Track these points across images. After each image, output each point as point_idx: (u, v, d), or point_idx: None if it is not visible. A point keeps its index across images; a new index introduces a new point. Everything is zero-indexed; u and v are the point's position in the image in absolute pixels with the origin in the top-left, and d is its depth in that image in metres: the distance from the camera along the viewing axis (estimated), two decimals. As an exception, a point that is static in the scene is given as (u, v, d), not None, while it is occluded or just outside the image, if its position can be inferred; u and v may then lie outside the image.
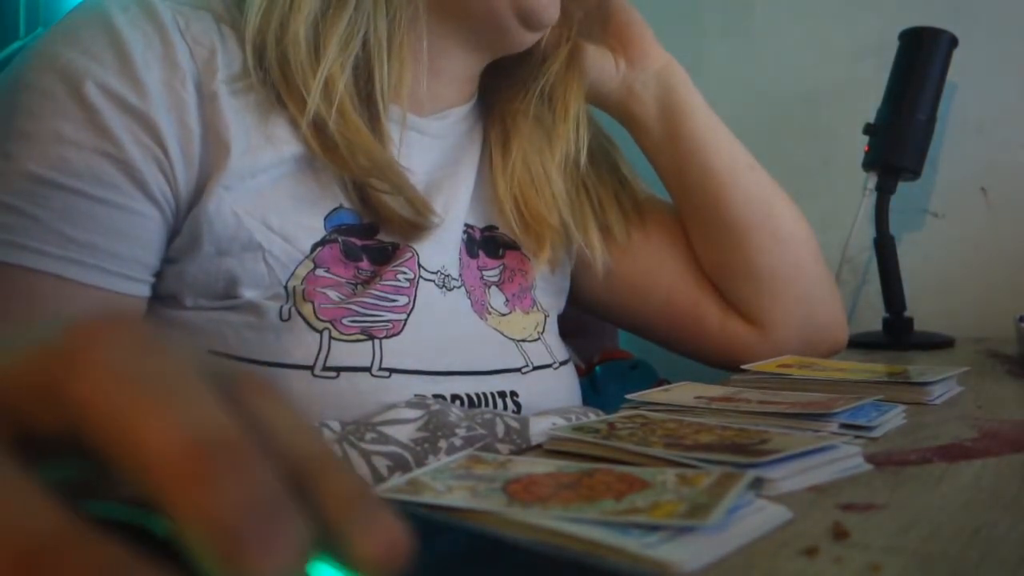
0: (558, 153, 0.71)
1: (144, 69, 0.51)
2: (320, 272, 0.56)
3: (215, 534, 0.15)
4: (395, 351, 0.56)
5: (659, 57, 0.75)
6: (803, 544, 0.30)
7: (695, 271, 0.78)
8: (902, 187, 0.99)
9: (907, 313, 0.99)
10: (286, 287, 0.55)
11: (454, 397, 0.58)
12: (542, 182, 0.70)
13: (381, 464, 0.49)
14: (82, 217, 0.50)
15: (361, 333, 0.56)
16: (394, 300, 0.58)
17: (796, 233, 0.77)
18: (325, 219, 0.58)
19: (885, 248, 1.00)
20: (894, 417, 0.50)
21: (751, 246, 0.75)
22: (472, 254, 0.67)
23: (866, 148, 0.99)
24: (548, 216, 0.69)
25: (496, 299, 0.68)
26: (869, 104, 1.01)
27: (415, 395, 0.55)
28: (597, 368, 0.99)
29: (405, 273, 0.60)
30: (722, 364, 0.78)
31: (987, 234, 1.06)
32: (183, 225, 0.54)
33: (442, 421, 0.52)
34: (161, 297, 0.55)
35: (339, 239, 0.58)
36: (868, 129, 0.99)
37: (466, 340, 0.62)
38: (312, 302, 0.55)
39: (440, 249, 0.63)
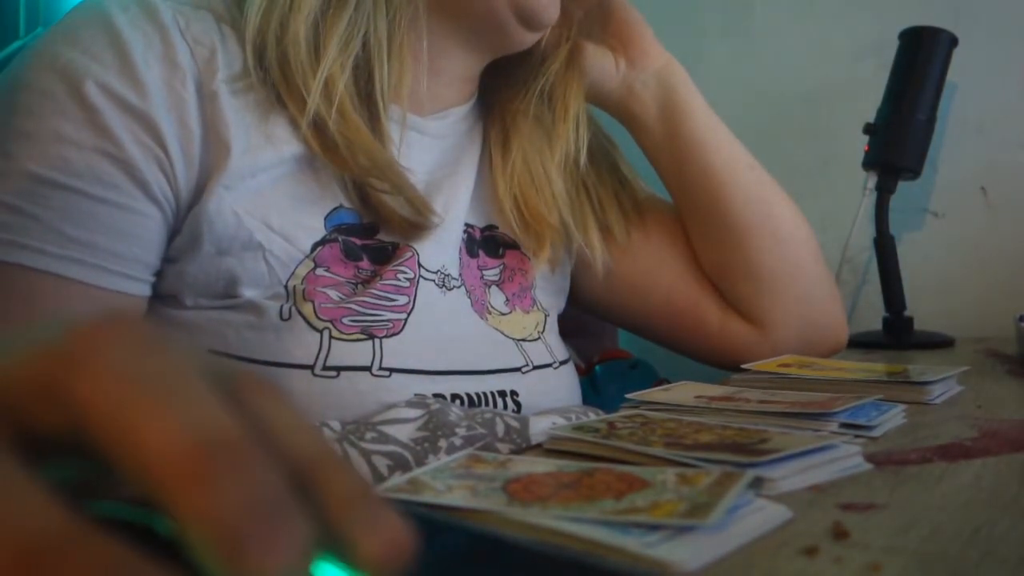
0: (558, 153, 0.71)
1: (144, 69, 0.51)
2: (320, 271, 0.56)
3: (217, 534, 0.15)
4: (395, 350, 0.56)
5: (659, 56, 0.75)
6: (803, 544, 0.30)
7: (695, 271, 0.79)
8: (902, 187, 0.99)
9: (907, 313, 0.99)
10: (286, 286, 0.55)
11: (454, 396, 0.58)
12: (542, 182, 0.70)
13: (381, 463, 0.49)
14: (82, 216, 0.50)
15: (361, 332, 0.56)
16: (394, 300, 0.58)
17: (796, 233, 0.77)
18: (325, 219, 0.58)
19: (885, 248, 1.00)
20: (894, 417, 0.50)
21: (751, 246, 0.75)
22: (472, 254, 0.67)
23: (866, 148, 0.99)
24: (548, 215, 0.69)
25: (496, 298, 0.68)
26: (869, 104, 1.01)
27: (415, 395, 0.55)
28: (597, 368, 0.99)
29: (405, 273, 0.60)
30: (722, 364, 0.78)
31: (987, 234, 1.06)
32: (183, 225, 0.54)
33: (442, 421, 0.52)
34: (161, 296, 0.55)
35: (339, 239, 0.58)
36: (868, 129, 0.99)
37: (466, 339, 0.62)
38: (312, 301, 0.55)
39: (440, 249, 0.63)
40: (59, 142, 0.50)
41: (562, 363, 0.70)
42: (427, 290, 0.61)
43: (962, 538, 0.30)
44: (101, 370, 0.16)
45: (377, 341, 0.56)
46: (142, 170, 0.51)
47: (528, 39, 0.66)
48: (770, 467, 0.36)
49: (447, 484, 0.36)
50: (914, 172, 0.98)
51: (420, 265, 0.61)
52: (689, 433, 0.44)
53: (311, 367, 0.53)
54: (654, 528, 0.29)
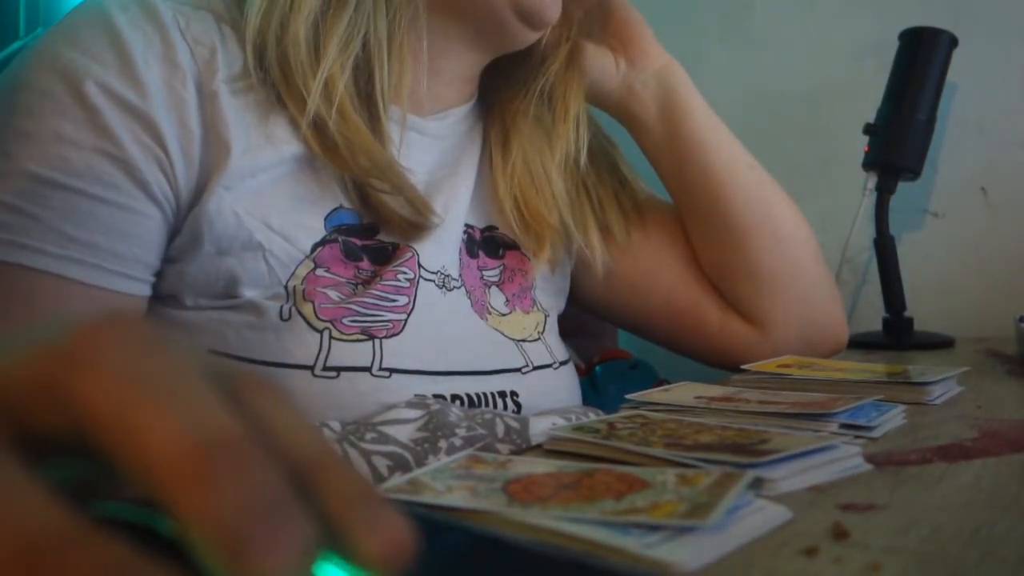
0: (558, 153, 0.71)
1: (145, 69, 0.51)
2: (320, 272, 0.56)
3: (218, 534, 0.15)
4: (395, 351, 0.56)
5: (659, 57, 0.75)
6: (803, 544, 0.30)
7: (695, 271, 0.79)
8: (902, 187, 0.99)
9: (907, 313, 0.99)
10: (286, 287, 0.55)
11: (454, 397, 0.58)
12: (542, 182, 0.70)
13: (381, 464, 0.49)
14: (83, 216, 0.50)
15: (361, 333, 0.56)
16: (394, 300, 0.58)
17: (796, 233, 0.77)
18: (325, 219, 0.58)
19: (885, 248, 1.00)
20: (894, 417, 0.50)
21: (751, 246, 0.75)
22: (472, 254, 0.67)
23: (866, 148, 0.99)
24: (548, 216, 0.69)
25: (496, 299, 0.68)
26: (869, 104, 1.01)
27: (415, 395, 0.55)
28: (597, 368, 0.99)
29: (405, 273, 0.60)
30: (722, 364, 0.78)
31: (987, 234, 1.06)
32: (183, 225, 0.54)
33: (442, 421, 0.52)
34: (161, 297, 0.55)
35: (339, 239, 0.58)
36: (868, 129, 0.99)
37: (466, 340, 0.62)
38: (312, 302, 0.55)
39: (440, 249, 0.63)
40: (59, 142, 0.50)
41: (562, 363, 0.70)
42: (427, 291, 0.61)
43: (962, 538, 0.30)
44: (101, 370, 0.16)
45: (377, 342, 0.56)
46: (142, 170, 0.51)
47: (529, 37, 0.66)
48: (770, 468, 0.36)
49: (447, 484, 0.36)
50: (914, 172, 0.98)
51: (420, 265, 0.61)
52: (689, 434, 0.44)
53: (311, 367, 0.53)
54: (654, 528, 0.29)
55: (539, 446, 0.48)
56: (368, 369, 0.55)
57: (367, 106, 0.59)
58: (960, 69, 1.01)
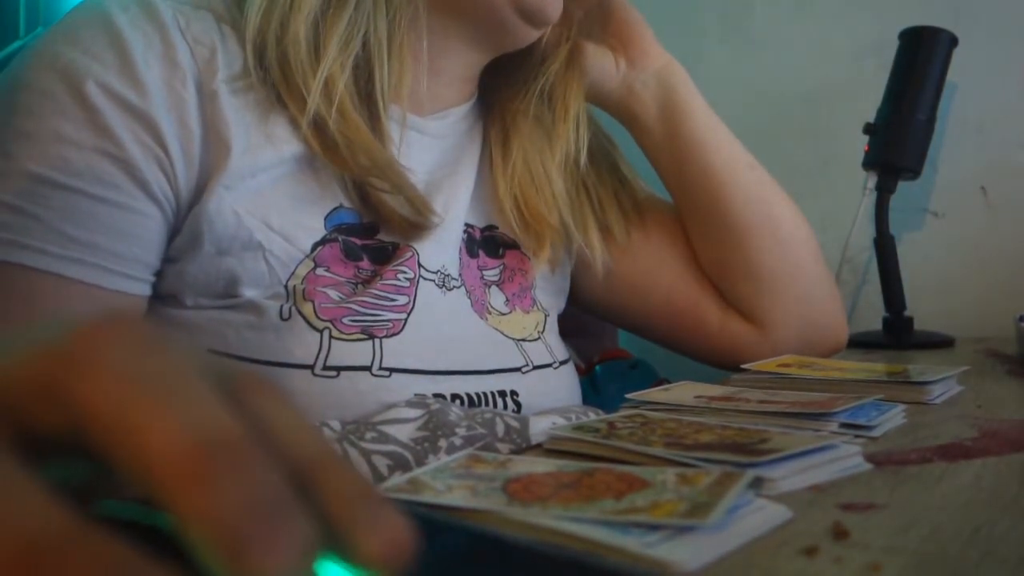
0: (558, 153, 0.71)
1: (145, 69, 0.51)
2: (320, 271, 0.56)
3: (218, 534, 0.15)
4: (395, 350, 0.56)
5: (659, 57, 0.75)
6: (803, 544, 0.30)
7: (695, 271, 0.79)
8: (902, 187, 0.99)
9: (907, 313, 0.99)
10: (286, 286, 0.55)
11: (454, 396, 0.58)
12: (542, 182, 0.70)
13: (381, 463, 0.49)
14: (83, 216, 0.50)
15: (361, 332, 0.56)
16: (394, 300, 0.58)
17: (796, 233, 0.77)
18: (325, 218, 0.58)
19: (885, 248, 1.00)
20: (894, 417, 0.50)
21: (751, 246, 0.75)
22: (472, 254, 0.67)
23: (866, 148, 0.99)
24: (548, 216, 0.69)
25: (496, 299, 0.68)
26: (869, 104, 1.01)
27: (415, 394, 0.55)
28: (597, 368, 0.99)
29: (405, 273, 0.60)
30: (722, 364, 0.78)
31: (987, 234, 1.06)
32: (183, 224, 0.54)
33: (442, 420, 0.52)
34: (161, 296, 0.55)
35: (339, 238, 0.58)
36: (868, 129, 0.99)
37: (466, 339, 0.62)
38: (312, 301, 0.55)
39: (440, 249, 0.63)
40: (59, 142, 0.50)
41: (562, 363, 0.70)
42: (427, 290, 0.61)
43: (962, 538, 0.30)
44: (101, 370, 0.16)
45: (377, 341, 0.56)
46: (142, 170, 0.51)
47: (530, 35, 0.66)
48: (770, 467, 0.36)
49: (447, 484, 0.36)
50: (914, 172, 0.98)
51: (420, 265, 0.61)
52: (689, 433, 0.44)
53: (311, 367, 0.53)
54: (654, 528, 0.29)
55: (539, 445, 0.48)
56: (368, 368, 0.55)
57: (367, 105, 0.59)
58: (960, 69, 1.01)
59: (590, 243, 0.73)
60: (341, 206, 0.59)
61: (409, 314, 0.59)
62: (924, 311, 1.01)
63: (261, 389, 0.19)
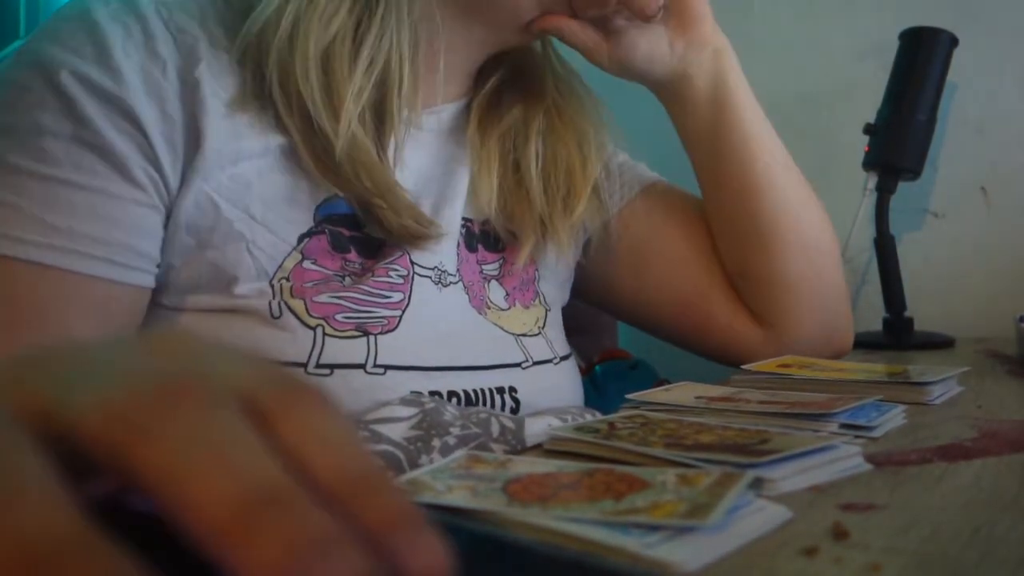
0: (552, 147, 0.71)
1: (123, 57, 0.52)
2: (307, 264, 0.56)
3: None
4: (390, 347, 0.56)
5: (718, 39, 0.72)
6: (803, 544, 0.30)
7: (707, 264, 0.77)
8: (902, 187, 0.99)
9: (907, 313, 0.99)
10: (272, 282, 0.55)
11: (451, 394, 0.58)
12: (529, 176, 0.69)
13: (374, 463, 0.49)
14: (63, 204, 0.50)
15: (356, 329, 0.56)
16: (388, 296, 0.58)
17: (821, 238, 0.75)
18: (317, 208, 0.58)
19: (885, 248, 1.00)
20: (894, 417, 0.50)
21: (776, 251, 0.73)
22: (471, 248, 0.67)
23: (866, 148, 0.99)
24: (530, 211, 0.69)
25: (496, 293, 0.67)
26: (869, 104, 1.01)
27: (411, 392, 0.55)
28: (597, 368, 0.99)
29: (398, 270, 0.59)
30: (725, 360, 0.78)
31: (987, 234, 1.06)
32: (172, 213, 0.54)
33: (436, 420, 0.52)
34: (157, 299, 0.55)
35: (327, 229, 0.58)
36: (868, 129, 0.99)
37: (464, 335, 0.62)
38: (304, 299, 0.55)
39: (435, 248, 0.62)
40: (39, 133, 0.50)
41: (563, 359, 0.70)
42: (423, 286, 0.61)
43: (962, 538, 0.30)
44: (159, 439, 0.17)
45: (372, 338, 0.56)
46: (121, 155, 0.51)
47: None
48: (770, 468, 0.36)
49: (447, 484, 0.36)
50: (914, 172, 0.98)
51: (413, 263, 0.61)
52: (689, 434, 0.44)
53: (304, 365, 0.53)
54: (654, 528, 0.29)
55: (539, 446, 0.48)
56: (362, 366, 0.55)
57: (379, 115, 0.59)
58: (960, 69, 1.01)
59: (559, 241, 0.71)
60: (336, 195, 0.58)
61: (404, 310, 0.58)
62: (924, 312, 1.01)
63: (301, 400, 0.19)
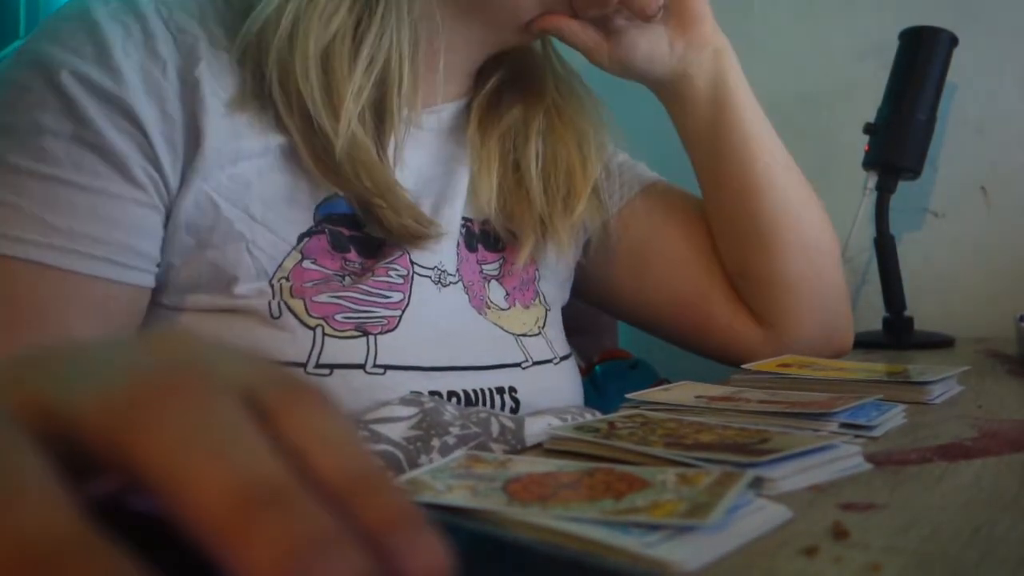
0: (550, 147, 0.71)
1: (123, 57, 0.52)
2: (307, 264, 0.56)
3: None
4: (390, 347, 0.56)
5: (718, 38, 0.72)
6: (803, 544, 0.30)
7: (707, 264, 0.77)
8: (902, 187, 0.99)
9: (907, 313, 0.99)
10: (272, 282, 0.55)
11: (451, 394, 0.58)
12: (529, 176, 0.69)
13: (373, 463, 0.49)
14: (63, 204, 0.50)
15: (355, 329, 0.55)
16: (388, 296, 0.58)
17: (822, 238, 0.75)
18: (318, 207, 0.58)
19: (885, 248, 1.00)
20: (894, 417, 0.50)
21: (776, 252, 0.73)
22: (471, 248, 0.67)
23: (866, 148, 0.99)
24: (530, 211, 0.69)
25: (496, 293, 0.67)
26: (869, 104, 1.01)
27: (411, 392, 0.55)
28: (597, 367, 0.99)
29: (398, 270, 0.59)
30: (725, 360, 0.78)
31: (987, 234, 1.06)
32: (171, 213, 0.54)
33: (436, 420, 0.52)
34: (158, 299, 0.55)
35: (327, 229, 0.58)
36: (868, 129, 0.99)
37: (463, 335, 0.62)
38: (303, 298, 0.55)
39: (435, 248, 0.62)
40: (39, 133, 0.50)
41: (563, 358, 0.70)
42: (423, 286, 0.61)
43: (962, 538, 0.30)
44: (159, 430, 0.17)
45: (371, 338, 0.56)
46: (122, 155, 0.51)
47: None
48: (770, 467, 0.36)
49: (447, 484, 0.36)
50: (914, 172, 0.98)
51: (413, 263, 0.61)
52: (689, 433, 0.44)
53: (304, 365, 0.53)
54: (654, 528, 0.29)
55: (539, 445, 0.48)
56: (362, 366, 0.55)
57: (378, 114, 0.59)
58: (960, 69, 1.01)
59: (559, 242, 0.71)
60: (336, 195, 0.58)
61: (404, 310, 0.58)
62: (924, 311, 1.01)
63: (302, 399, 0.19)
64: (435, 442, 0.51)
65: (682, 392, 0.58)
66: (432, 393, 0.56)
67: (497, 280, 0.68)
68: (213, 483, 0.16)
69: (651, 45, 0.69)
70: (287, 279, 0.55)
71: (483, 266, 0.68)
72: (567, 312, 0.78)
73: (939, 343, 0.94)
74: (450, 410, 0.54)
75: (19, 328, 0.50)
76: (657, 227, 0.78)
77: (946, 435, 0.47)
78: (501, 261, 0.69)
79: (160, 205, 0.53)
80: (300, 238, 0.56)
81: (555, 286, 0.74)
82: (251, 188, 0.55)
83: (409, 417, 0.52)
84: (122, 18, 0.53)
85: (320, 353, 0.54)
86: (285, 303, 0.54)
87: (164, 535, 0.16)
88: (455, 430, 0.52)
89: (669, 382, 0.63)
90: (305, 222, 0.57)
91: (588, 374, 0.98)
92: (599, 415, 0.55)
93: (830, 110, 1.14)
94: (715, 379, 0.64)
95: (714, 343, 0.78)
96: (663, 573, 0.27)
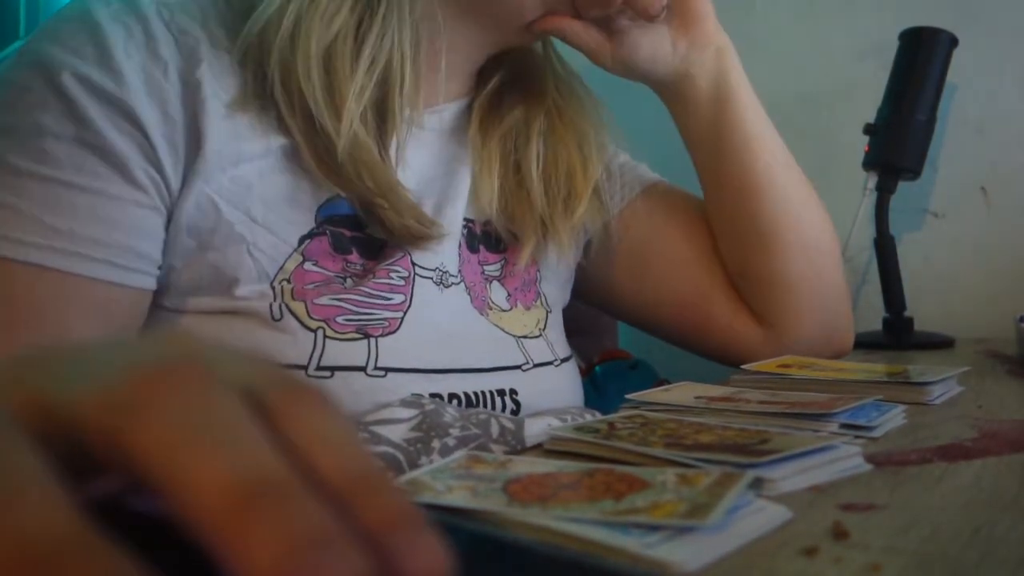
0: (551, 147, 0.71)
1: (124, 58, 0.52)
2: (308, 266, 0.56)
3: (266, 572, 0.15)
4: (391, 349, 0.56)
5: (720, 37, 0.72)
6: (803, 544, 0.30)
7: (708, 264, 0.77)
8: (902, 187, 0.99)
9: (907, 313, 0.99)
10: (273, 284, 0.55)
11: (451, 396, 0.58)
12: (530, 177, 0.69)
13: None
14: (64, 206, 0.50)
15: (356, 332, 0.55)
16: (389, 298, 0.58)
17: (822, 238, 0.75)
18: (319, 208, 0.58)
19: (885, 248, 1.00)
20: (894, 417, 0.50)
21: (776, 251, 0.73)
22: (473, 248, 0.67)
23: (866, 148, 0.99)
24: (531, 212, 0.69)
25: (497, 294, 0.67)
26: (869, 104, 1.01)
27: (412, 394, 0.55)
28: (597, 368, 0.99)
29: (399, 271, 0.59)
30: (725, 360, 0.78)
31: (987, 234, 1.06)
32: (173, 215, 0.54)
33: (436, 421, 0.52)
34: (158, 300, 0.55)
35: (328, 230, 0.58)
36: (868, 129, 0.99)
37: (465, 337, 0.62)
38: (304, 301, 0.55)
39: (437, 249, 0.62)
40: (40, 134, 0.50)
41: (564, 360, 0.69)
42: (424, 288, 0.61)
43: (962, 538, 0.30)
44: (158, 423, 0.16)
45: (373, 340, 0.56)
46: (123, 157, 0.51)
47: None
48: (770, 468, 0.36)
49: (447, 484, 0.36)
50: (914, 172, 0.98)
51: (414, 263, 0.61)
52: (689, 434, 0.44)
53: (304, 367, 0.53)
54: (654, 528, 0.29)
55: (539, 446, 0.48)
56: (363, 369, 0.55)
57: (380, 114, 0.59)
58: (960, 69, 1.01)
59: (560, 242, 0.71)
60: (338, 196, 0.58)
61: (406, 312, 0.58)
62: (924, 311, 1.01)
63: (301, 400, 0.19)
64: (435, 443, 0.51)
65: (682, 392, 0.58)
66: (433, 395, 0.56)
67: (499, 281, 0.68)
68: (213, 480, 0.16)
69: (654, 45, 0.69)
70: (288, 281, 0.55)
71: (485, 267, 0.68)
72: (567, 313, 0.78)
73: (939, 343, 0.94)
74: (450, 412, 0.54)
75: (19, 329, 0.50)
76: (658, 228, 0.78)
77: (946, 435, 0.47)
78: (503, 262, 0.69)
79: (161, 207, 0.53)
80: (301, 240, 0.56)
81: (556, 287, 0.74)
82: (252, 190, 0.55)
83: (409, 419, 0.52)
84: (124, 19, 0.53)
85: (321, 355, 0.54)
86: (286, 305, 0.54)
87: (164, 535, 0.16)
88: (455, 431, 0.52)
89: (669, 382, 0.63)
90: (306, 224, 0.57)
91: (588, 375, 0.98)
92: (599, 416, 0.55)
93: (830, 110, 1.14)
94: (715, 379, 0.64)
95: (714, 343, 0.78)
96: (663, 573, 0.27)
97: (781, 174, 0.73)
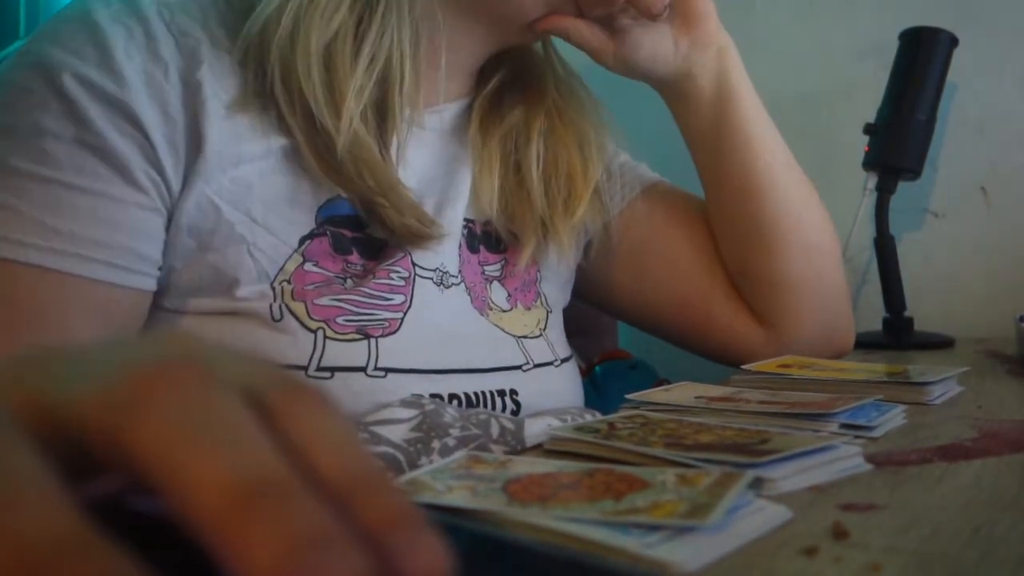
0: (551, 148, 0.71)
1: (125, 60, 0.51)
2: (309, 266, 0.56)
3: (266, 571, 0.15)
4: (392, 350, 0.56)
5: (721, 37, 0.72)
6: (803, 544, 0.30)
7: (708, 264, 0.77)
8: (902, 187, 0.99)
9: (907, 313, 0.99)
10: (274, 284, 0.55)
11: (452, 396, 0.58)
12: (530, 177, 0.69)
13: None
14: (64, 207, 0.50)
15: (356, 332, 0.55)
16: (389, 299, 0.58)
17: (822, 239, 0.75)
18: (320, 209, 0.58)
19: (885, 248, 1.00)
20: (894, 417, 0.50)
21: (776, 251, 0.73)
22: (473, 249, 0.67)
23: (866, 148, 0.99)
24: (531, 212, 0.69)
25: (498, 294, 0.67)
26: (869, 104, 1.01)
27: (412, 394, 0.55)
28: (597, 368, 0.99)
29: (399, 272, 0.59)
30: (725, 360, 0.78)
31: (987, 234, 1.06)
32: (174, 216, 0.54)
33: (436, 422, 0.52)
34: (158, 301, 0.55)
35: (329, 231, 0.58)
36: (868, 129, 0.99)
37: (465, 337, 0.62)
38: (305, 301, 0.55)
39: (437, 249, 0.62)
40: (40, 135, 0.50)
41: (564, 361, 0.69)
42: (424, 288, 0.61)
43: (962, 538, 0.30)
44: (158, 421, 0.16)
45: (373, 341, 0.56)
46: (124, 158, 0.51)
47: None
48: (770, 467, 0.36)
49: (447, 485, 0.36)
50: (914, 172, 0.98)
51: (414, 264, 0.61)
52: (689, 434, 0.44)
53: (305, 368, 0.53)
54: (654, 528, 0.29)
55: (539, 446, 0.48)
56: (363, 369, 0.55)
57: (380, 113, 0.59)
58: (960, 69, 1.01)
59: (559, 242, 0.71)
60: (339, 196, 0.58)
61: (406, 313, 0.58)
62: (924, 311, 1.01)
63: (301, 400, 0.19)
64: (435, 444, 0.51)
65: (682, 393, 0.58)
66: (433, 396, 0.56)
67: (499, 281, 0.68)
68: (213, 479, 0.16)
69: (656, 44, 0.69)
70: (288, 282, 0.55)
71: (485, 267, 0.68)
72: (568, 313, 0.78)
73: (939, 343, 0.94)
74: (450, 412, 0.54)
75: (19, 330, 0.50)
76: (658, 228, 0.78)
77: (946, 435, 0.47)
78: (503, 262, 0.69)
79: (162, 208, 0.53)
80: (301, 240, 0.56)
81: (556, 287, 0.74)
82: (252, 191, 0.55)
83: (409, 419, 0.52)
84: (124, 20, 0.53)
85: (321, 356, 0.54)
86: (286, 306, 0.54)
87: (164, 535, 0.16)
88: (455, 432, 0.52)
89: (669, 382, 0.63)
90: (307, 224, 0.57)
91: (588, 375, 0.98)
92: (599, 416, 0.55)
93: (830, 110, 1.14)
94: (715, 379, 0.64)
95: (715, 343, 0.78)
96: (663, 573, 0.27)
97: (782, 174, 0.73)
